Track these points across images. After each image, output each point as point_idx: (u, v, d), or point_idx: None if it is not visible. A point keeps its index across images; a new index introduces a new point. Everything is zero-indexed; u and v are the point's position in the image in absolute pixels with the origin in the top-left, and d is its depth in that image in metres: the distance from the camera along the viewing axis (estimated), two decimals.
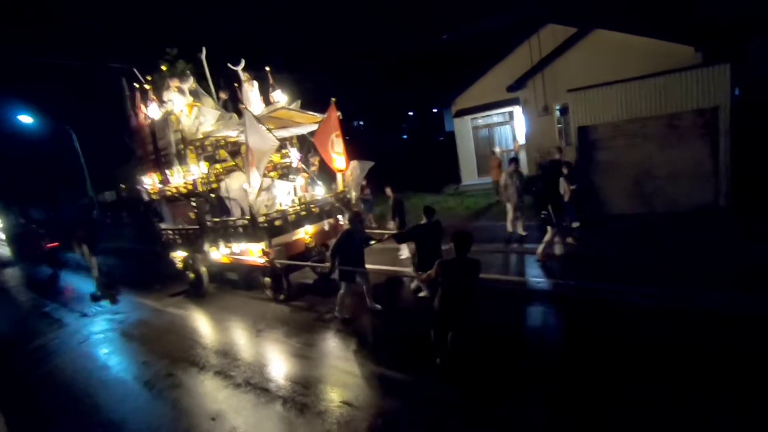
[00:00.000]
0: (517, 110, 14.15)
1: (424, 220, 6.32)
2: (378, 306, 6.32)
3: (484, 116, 15.73)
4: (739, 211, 7.83)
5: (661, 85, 8.38)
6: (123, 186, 36.31)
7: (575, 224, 8.23)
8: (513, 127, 15.30)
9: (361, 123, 33.38)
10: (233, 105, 8.33)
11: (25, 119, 24.08)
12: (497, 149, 13.98)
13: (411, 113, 32.17)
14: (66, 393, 5.64)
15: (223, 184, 7.13)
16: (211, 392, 5.02)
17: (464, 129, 16.08)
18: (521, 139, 14.25)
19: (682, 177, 8.43)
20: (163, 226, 9.19)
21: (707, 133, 8.13)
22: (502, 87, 13.15)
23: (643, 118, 8.57)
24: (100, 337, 7.56)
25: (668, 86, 8.32)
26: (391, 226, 8.16)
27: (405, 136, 33.72)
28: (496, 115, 15.50)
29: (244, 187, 6.69)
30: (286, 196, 7.60)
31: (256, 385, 4.94)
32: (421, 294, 6.58)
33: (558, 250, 7.26)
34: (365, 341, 5.69)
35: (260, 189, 6.72)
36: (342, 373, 5.01)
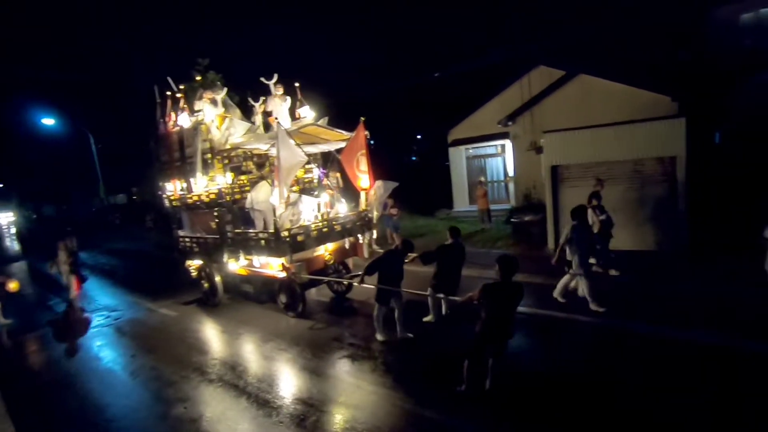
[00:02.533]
0: (508, 144, 14.56)
1: (449, 241, 6.28)
2: (410, 334, 6.08)
3: (477, 147, 16.60)
4: (694, 254, 8.25)
5: (626, 133, 8.91)
6: (134, 189, 36.73)
7: (612, 255, 8.04)
8: (504, 160, 15.97)
9: (372, 141, 33.64)
10: (263, 118, 8.40)
11: (48, 121, 24.61)
12: (482, 179, 14.78)
13: (419, 136, 32.36)
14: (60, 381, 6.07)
15: (249, 196, 7.11)
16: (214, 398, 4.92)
17: (458, 158, 16.91)
18: (511, 172, 14.73)
19: (644, 219, 8.96)
20: (181, 233, 9.17)
21: (666, 180, 8.67)
22: (495, 121, 13.69)
23: (610, 161, 9.12)
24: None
25: (633, 134, 8.84)
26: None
27: (414, 158, 33.92)
28: (488, 147, 16.34)
29: (270, 201, 6.67)
30: (310, 212, 7.57)
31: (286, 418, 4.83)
32: (427, 318, 6.47)
33: (581, 291, 7.04)
34: (379, 365, 5.52)
35: (287, 203, 6.70)
36: (350, 394, 4.90)
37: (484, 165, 17.03)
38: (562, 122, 10.26)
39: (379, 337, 6.11)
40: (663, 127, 8.53)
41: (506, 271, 4.12)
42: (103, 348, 7.25)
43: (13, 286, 8.64)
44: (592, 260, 6.95)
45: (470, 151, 16.91)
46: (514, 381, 4.66)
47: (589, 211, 7.52)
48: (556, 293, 6.92)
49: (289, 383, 5.42)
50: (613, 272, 7.76)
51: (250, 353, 6.45)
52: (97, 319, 8.79)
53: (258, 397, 5.01)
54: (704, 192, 9.04)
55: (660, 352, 5.05)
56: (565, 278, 6.91)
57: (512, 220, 11.13)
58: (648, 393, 4.26)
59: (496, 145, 16.10)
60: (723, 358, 4.76)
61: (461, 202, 16.94)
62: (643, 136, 8.72)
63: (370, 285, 6.15)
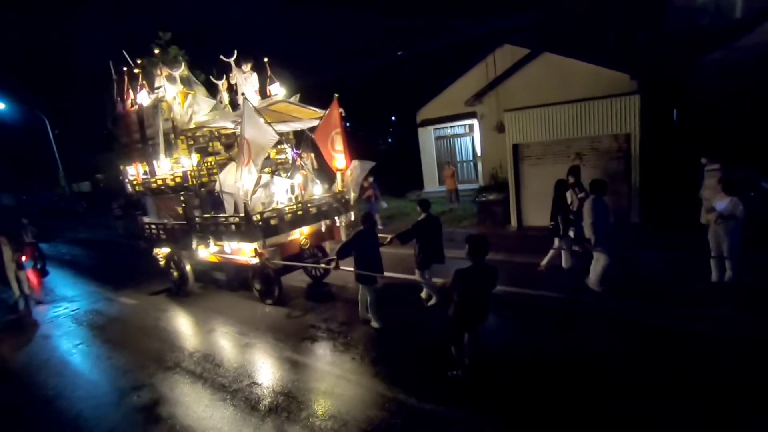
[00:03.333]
0: (476, 123, 14.51)
1: (422, 216, 6.15)
2: (375, 324, 5.83)
3: (445, 127, 16.72)
4: (647, 226, 8.54)
5: (583, 110, 8.97)
6: (99, 176, 35.07)
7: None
8: (473, 139, 16.10)
9: (347, 124, 33.02)
10: (229, 96, 7.89)
11: None
12: (449, 160, 15.12)
13: (393, 118, 31.89)
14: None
15: (218, 178, 6.68)
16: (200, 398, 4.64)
17: (427, 139, 17.00)
18: (479, 152, 14.69)
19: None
20: (146, 219, 8.65)
21: (622, 156, 8.83)
22: (462, 100, 13.58)
23: (568, 139, 9.25)
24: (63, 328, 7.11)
25: (589, 112, 8.92)
26: None
27: (390, 140, 33.56)
28: (457, 127, 16.48)
29: (239, 183, 6.27)
30: (283, 194, 7.20)
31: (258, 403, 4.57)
32: (431, 303, 6.28)
33: (565, 262, 7.06)
34: (362, 351, 5.30)
35: (258, 185, 6.33)
36: (331, 383, 4.69)
37: (453, 145, 17.11)
38: (526, 101, 10.28)
39: (374, 324, 5.81)
40: (618, 104, 8.61)
41: (476, 252, 3.95)
42: (59, 339, 6.95)
43: None
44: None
45: (439, 131, 16.98)
46: (500, 364, 4.54)
47: (569, 190, 7.40)
48: (543, 264, 6.98)
49: (266, 373, 5.14)
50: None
51: (224, 343, 6.13)
52: (54, 311, 8.43)
53: (227, 387, 4.78)
54: (658, 168, 9.21)
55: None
56: (551, 252, 6.92)
57: (476, 200, 11.28)
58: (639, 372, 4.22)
59: (464, 125, 16.18)
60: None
61: (431, 183, 17.04)
62: (599, 113, 8.80)
63: (347, 269, 5.90)
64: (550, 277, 6.85)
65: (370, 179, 11.10)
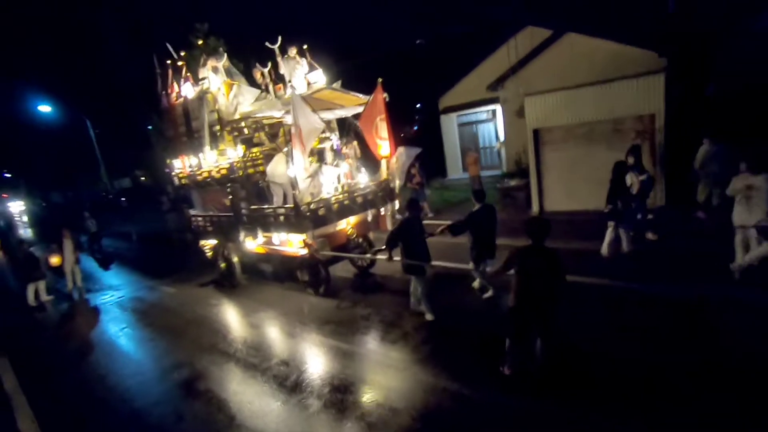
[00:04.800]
0: (499, 109, 14.16)
1: (476, 206, 5.82)
2: (429, 316, 5.63)
3: (468, 114, 16.26)
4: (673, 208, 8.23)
5: (605, 92, 8.64)
6: (139, 172, 36.41)
7: (649, 216, 7.52)
8: (496, 125, 15.72)
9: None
10: (273, 85, 7.77)
11: (44, 108, 24.01)
12: (471, 147, 15.07)
13: (419, 105, 31.26)
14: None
15: (267, 169, 6.60)
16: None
17: (450, 126, 16.77)
18: (502, 137, 14.43)
19: None
20: (192, 212, 8.74)
21: (647, 138, 8.41)
22: (485, 86, 13.26)
23: (590, 122, 8.89)
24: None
25: (611, 93, 8.57)
26: None
27: (416, 127, 33.06)
28: (480, 113, 16.16)
29: (288, 173, 6.15)
30: (330, 184, 7.06)
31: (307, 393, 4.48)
32: (487, 294, 5.98)
33: (626, 246, 6.64)
34: (413, 342, 5.12)
35: (308, 175, 6.19)
36: (385, 375, 4.58)
37: (476, 131, 16.85)
38: (550, 84, 9.85)
39: (427, 316, 5.59)
40: (641, 84, 8.23)
41: (537, 234, 3.66)
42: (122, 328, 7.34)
43: (55, 260, 8.99)
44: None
45: (462, 118, 16.74)
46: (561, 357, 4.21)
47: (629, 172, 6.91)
48: (604, 249, 6.63)
49: (317, 363, 5.07)
50: (650, 236, 7.23)
51: (275, 334, 6.11)
52: (105, 299, 9.03)
53: (284, 378, 4.73)
54: (685, 148, 8.51)
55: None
56: (609, 236, 6.59)
57: (498, 186, 11.20)
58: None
59: (487, 111, 15.89)
60: None
61: (455, 170, 16.84)
62: (621, 94, 8.44)
63: (399, 259, 5.70)
64: (622, 262, 6.42)
65: (417, 165, 10.91)
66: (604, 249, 6.66)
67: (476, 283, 6.21)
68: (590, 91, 8.79)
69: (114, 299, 8.95)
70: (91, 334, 7.26)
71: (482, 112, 16.04)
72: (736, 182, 5.26)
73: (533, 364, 3.96)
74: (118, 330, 7.23)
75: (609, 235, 6.66)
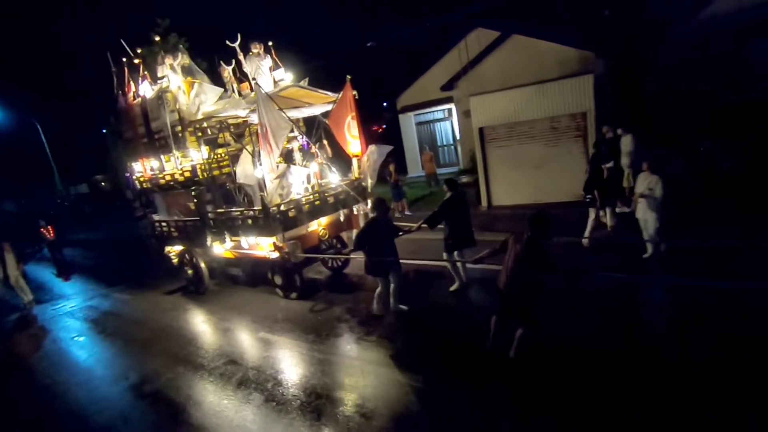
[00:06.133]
0: (454, 108, 14.48)
1: (448, 194, 5.86)
2: (403, 307, 5.64)
3: (425, 113, 16.57)
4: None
5: (542, 92, 9.11)
6: (98, 177, 34.71)
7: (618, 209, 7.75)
8: (452, 124, 16.16)
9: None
10: (237, 83, 7.50)
11: None
12: (426, 146, 15.80)
13: (385, 104, 31.24)
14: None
15: (238, 171, 6.33)
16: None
17: (408, 124, 17.05)
18: (458, 135, 14.85)
19: (561, 173, 9.17)
20: (155, 217, 8.34)
21: (580, 135, 8.96)
22: (439, 86, 13.54)
23: (530, 120, 9.38)
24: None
25: (547, 93, 9.06)
26: None
27: (384, 126, 32.97)
28: (436, 112, 16.53)
29: (256, 174, 5.94)
30: (300, 184, 6.87)
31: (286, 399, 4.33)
32: (453, 288, 6.00)
33: (610, 221, 7.11)
34: (391, 343, 5.06)
35: (276, 176, 6.00)
36: (362, 377, 4.51)
37: (433, 130, 17.19)
38: (498, 83, 10.32)
39: (375, 311, 5.69)
40: (573, 84, 8.75)
41: (537, 226, 3.76)
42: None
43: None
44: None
45: (419, 117, 17.04)
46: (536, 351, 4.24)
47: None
48: (586, 236, 6.90)
49: (291, 368, 4.96)
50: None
51: (246, 341, 5.90)
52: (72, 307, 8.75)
53: (262, 386, 4.55)
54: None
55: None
56: (591, 222, 6.92)
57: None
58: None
59: (443, 110, 16.22)
60: None
61: (414, 168, 17.12)
62: (556, 94, 8.94)
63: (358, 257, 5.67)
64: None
65: (393, 163, 10.90)
66: (585, 239, 6.86)
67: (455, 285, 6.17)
68: (529, 91, 9.23)
69: (67, 309, 8.67)
70: (36, 345, 7.08)
71: (438, 111, 16.32)
72: (640, 180, 5.84)
73: (512, 350, 4.08)
74: (67, 339, 7.02)
75: (590, 224, 6.95)
